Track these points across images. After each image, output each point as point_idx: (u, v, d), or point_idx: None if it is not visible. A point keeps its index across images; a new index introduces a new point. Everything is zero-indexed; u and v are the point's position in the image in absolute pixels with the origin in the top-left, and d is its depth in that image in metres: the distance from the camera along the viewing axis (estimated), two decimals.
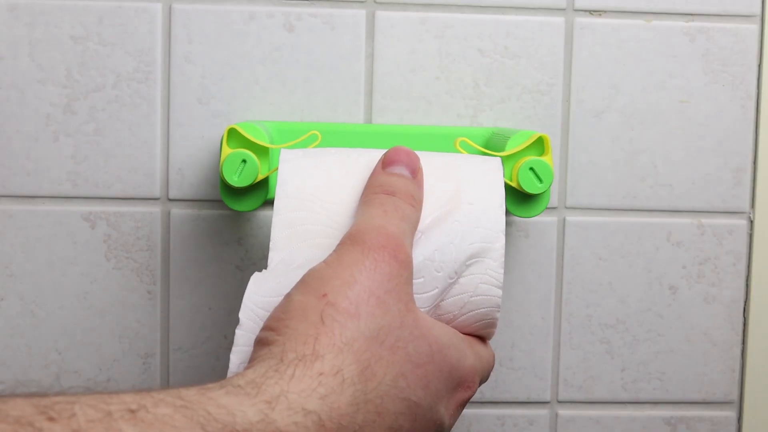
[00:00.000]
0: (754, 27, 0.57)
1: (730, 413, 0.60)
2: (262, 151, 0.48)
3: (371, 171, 0.42)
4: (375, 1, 0.56)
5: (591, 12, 0.57)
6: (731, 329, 0.59)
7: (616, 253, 0.58)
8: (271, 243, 0.40)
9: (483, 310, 0.41)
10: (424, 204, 0.41)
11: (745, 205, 0.58)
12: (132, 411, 0.27)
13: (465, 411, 0.58)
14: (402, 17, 0.56)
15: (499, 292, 0.41)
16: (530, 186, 0.48)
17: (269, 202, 0.56)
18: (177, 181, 0.56)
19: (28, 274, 0.56)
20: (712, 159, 0.58)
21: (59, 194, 0.56)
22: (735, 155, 0.58)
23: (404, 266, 0.37)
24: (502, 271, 0.41)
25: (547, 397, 0.59)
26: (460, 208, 0.41)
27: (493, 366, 0.43)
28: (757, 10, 0.57)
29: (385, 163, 0.41)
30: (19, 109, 0.55)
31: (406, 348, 0.36)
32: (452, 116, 0.56)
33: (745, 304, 0.59)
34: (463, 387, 0.39)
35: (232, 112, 0.56)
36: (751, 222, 0.59)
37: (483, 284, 0.41)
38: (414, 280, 0.39)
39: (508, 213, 0.54)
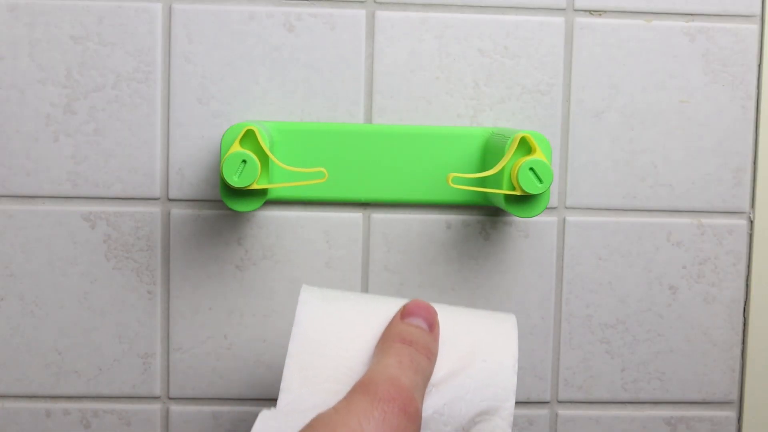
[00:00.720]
0: (754, 27, 0.57)
1: (730, 413, 0.60)
2: (263, 154, 0.48)
3: (388, 321, 0.42)
4: (375, 1, 0.56)
5: (591, 12, 0.57)
6: (731, 329, 0.59)
7: (616, 253, 0.58)
8: (282, 384, 0.40)
9: None
10: (438, 358, 0.41)
11: (745, 205, 0.58)
12: None
13: None
14: (402, 17, 0.56)
15: None
16: (530, 186, 0.48)
17: (269, 203, 0.56)
18: (177, 181, 0.56)
19: (28, 274, 0.56)
20: (712, 159, 0.58)
21: (59, 194, 0.56)
22: (735, 155, 0.58)
23: (412, 421, 0.37)
24: (510, 431, 0.41)
25: (547, 397, 0.59)
26: (474, 365, 0.41)
27: None
28: (757, 10, 0.57)
29: (404, 314, 0.42)
30: (19, 109, 0.55)
31: None
32: (452, 116, 0.56)
33: (745, 304, 0.59)
34: None
35: (232, 112, 0.56)
36: (751, 222, 0.59)
37: None
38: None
39: (508, 213, 0.54)
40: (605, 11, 0.57)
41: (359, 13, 0.56)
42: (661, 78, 0.57)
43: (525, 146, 0.49)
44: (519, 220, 0.57)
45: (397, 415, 0.36)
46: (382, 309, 0.43)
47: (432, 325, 0.42)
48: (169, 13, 0.55)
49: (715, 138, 0.58)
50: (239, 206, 0.50)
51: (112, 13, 0.55)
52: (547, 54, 0.57)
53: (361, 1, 0.56)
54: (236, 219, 0.57)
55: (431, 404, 0.40)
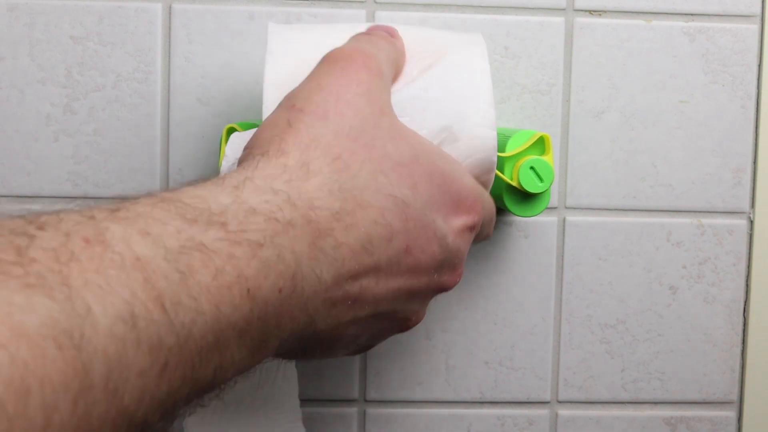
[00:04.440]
0: (754, 27, 0.57)
1: (730, 413, 0.60)
2: None
3: None
4: (375, 1, 0.56)
5: (591, 12, 0.57)
6: (731, 329, 0.59)
7: (616, 253, 0.58)
8: (263, 107, 0.41)
9: (480, 155, 0.41)
10: (407, 63, 0.42)
11: (745, 205, 0.58)
12: (113, 210, 0.28)
13: (464, 411, 0.58)
14: (402, 17, 0.56)
15: (494, 133, 0.41)
16: (531, 185, 0.48)
17: None
18: (177, 181, 0.56)
19: None
20: (712, 159, 0.58)
21: (59, 194, 0.56)
22: (735, 155, 0.58)
23: (376, 75, 0.37)
24: (494, 111, 0.41)
25: (547, 397, 0.59)
26: (446, 57, 0.42)
27: (495, 212, 0.43)
28: (757, 10, 0.57)
29: (366, 31, 0.43)
30: (19, 109, 0.55)
31: (384, 147, 0.35)
32: None
33: (745, 304, 0.59)
34: (464, 208, 0.38)
35: (232, 112, 0.56)
36: (751, 222, 0.59)
37: (478, 127, 0.41)
38: (399, 119, 0.39)
39: (508, 213, 0.54)
40: (605, 11, 0.57)
41: (359, 13, 0.56)
42: (661, 78, 0.57)
43: (540, 146, 0.49)
44: (519, 220, 0.57)
45: (357, 70, 0.37)
46: (349, 32, 0.44)
47: (393, 35, 0.42)
48: (169, 13, 0.55)
49: (715, 138, 0.58)
50: None
51: (112, 13, 0.55)
52: (547, 54, 0.57)
53: (361, 1, 0.56)
54: None
55: (407, 90, 0.40)
